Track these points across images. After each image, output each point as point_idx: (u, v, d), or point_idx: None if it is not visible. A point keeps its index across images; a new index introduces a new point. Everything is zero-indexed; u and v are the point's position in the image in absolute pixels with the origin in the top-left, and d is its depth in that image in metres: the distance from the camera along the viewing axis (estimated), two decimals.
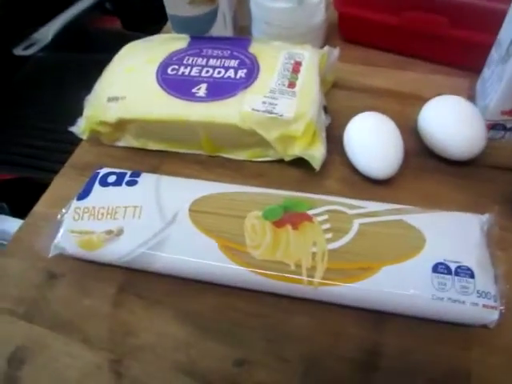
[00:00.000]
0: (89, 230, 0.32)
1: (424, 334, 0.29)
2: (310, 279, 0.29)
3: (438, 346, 0.29)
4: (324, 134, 0.36)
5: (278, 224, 0.31)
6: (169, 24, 0.54)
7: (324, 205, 0.32)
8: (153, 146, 0.40)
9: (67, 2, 0.67)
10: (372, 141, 0.35)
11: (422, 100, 0.41)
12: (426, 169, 0.37)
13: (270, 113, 0.35)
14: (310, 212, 0.31)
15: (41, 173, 0.56)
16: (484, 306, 0.27)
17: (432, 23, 0.40)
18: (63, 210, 0.34)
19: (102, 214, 0.33)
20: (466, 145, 0.35)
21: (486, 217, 0.31)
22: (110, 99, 0.38)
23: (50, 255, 0.32)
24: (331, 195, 0.35)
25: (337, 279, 0.29)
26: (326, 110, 0.37)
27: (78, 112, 0.40)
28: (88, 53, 0.66)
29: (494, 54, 0.38)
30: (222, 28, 0.47)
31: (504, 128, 0.38)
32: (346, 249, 0.29)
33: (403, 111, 0.41)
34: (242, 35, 0.49)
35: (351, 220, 0.31)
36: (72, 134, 0.40)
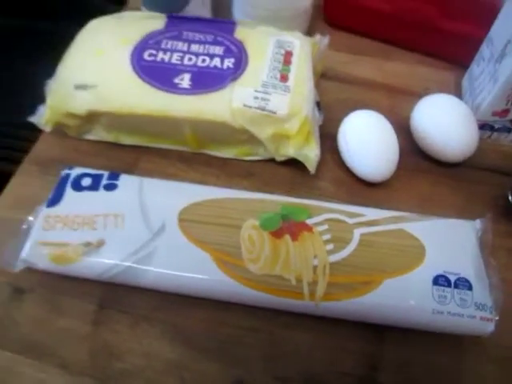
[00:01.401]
0: (63, 242, 0.28)
1: (421, 345, 0.29)
2: (311, 294, 0.27)
3: (435, 356, 0.29)
4: (317, 133, 0.34)
5: (277, 234, 0.29)
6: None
7: (323, 213, 0.30)
8: (128, 140, 0.36)
9: None
10: (368, 143, 0.33)
11: (411, 95, 0.41)
12: (419, 170, 0.36)
13: (263, 109, 0.32)
14: (310, 221, 0.29)
15: None
16: (481, 318, 0.27)
17: (423, 12, 0.39)
18: (29, 218, 0.30)
19: (78, 224, 0.29)
20: (460, 147, 0.34)
21: (478, 223, 0.31)
22: (78, 87, 0.34)
23: (16, 269, 0.28)
24: (326, 198, 0.34)
25: (339, 294, 0.27)
26: (319, 105, 0.35)
27: (33, 94, 0.35)
28: (42, 20, 0.59)
29: (485, 50, 0.37)
30: (199, 6, 0.42)
31: (491, 128, 0.38)
32: (347, 261, 0.28)
33: (393, 106, 0.40)
34: (220, 15, 0.45)
35: (352, 230, 0.29)
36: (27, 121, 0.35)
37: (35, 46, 0.54)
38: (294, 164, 0.35)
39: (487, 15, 0.36)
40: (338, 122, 0.36)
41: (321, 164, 0.35)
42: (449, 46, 0.41)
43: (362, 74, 0.42)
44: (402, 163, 0.35)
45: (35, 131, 0.36)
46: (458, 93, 0.41)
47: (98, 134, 0.36)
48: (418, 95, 0.40)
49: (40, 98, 0.35)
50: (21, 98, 0.48)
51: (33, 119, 0.35)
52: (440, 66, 0.43)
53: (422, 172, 0.36)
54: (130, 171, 0.35)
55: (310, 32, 0.45)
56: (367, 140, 0.33)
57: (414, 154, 0.37)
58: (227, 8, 0.44)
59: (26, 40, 0.55)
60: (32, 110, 0.35)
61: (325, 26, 0.46)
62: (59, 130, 0.36)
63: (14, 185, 0.34)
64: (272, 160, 0.35)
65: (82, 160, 0.35)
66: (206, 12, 0.43)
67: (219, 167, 0.36)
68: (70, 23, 0.54)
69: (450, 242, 0.30)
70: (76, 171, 0.31)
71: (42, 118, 0.35)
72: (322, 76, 0.41)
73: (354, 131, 0.34)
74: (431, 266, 0.28)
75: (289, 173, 0.35)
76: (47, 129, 0.35)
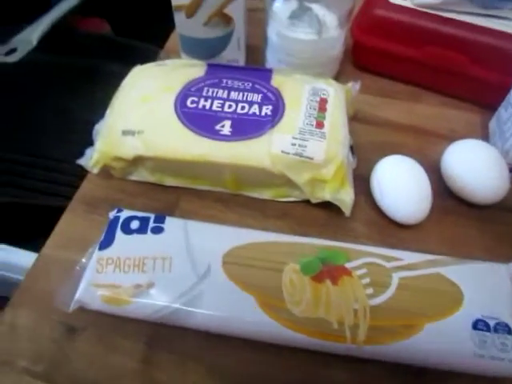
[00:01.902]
0: (115, 284, 0.30)
1: None
2: (353, 337, 0.28)
3: None
4: (351, 176, 0.36)
5: (317, 278, 0.30)
6: (172, 40, 0.51)
7: (361, 256, 0.31)
8: (170, 181, 0.38)
9: (48, 1, 0.62)
10: (402, 187, 0.34)
11: (439, 137, 0.42)
12: (449, 211, 0.37)
13: (301, 156, 0.34)
14: (348, 265, 0.31)
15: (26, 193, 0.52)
16: None
17: (452, 60, 0.41)
18: (83, 260, 0.31)
19: (129, 266, 0.30)
20: (490, 190, 0.36)
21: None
22: (126, 132, 0.36)
23: (70, 310, 0.30)
24: (360, 239, 0.35)
25: (381, 337, 0.28)
26: (352, 150, 0.37)
27: (78, 130, 0.37)
28: (74, 57, 0.62)
29: None
30: (235, 51, 0.45)
31: None
32: (387, 305, 0.29)
33: (422, 148, 0.41)
34: (253, 60, 0.47)
35: (390, 274, 0.31)
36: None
37: (78, 82, 0.57)
38: (327, 205, 0.36)
39: None
40: (369, 163, 0.38)
41: (354, 205, 0.36)
42: (476, 91, 0.43)
43: (391, 116, 0.44)
44: (433, 204, 0.36)
45: (81, 167, 0.38)
46: (484, 134, 0.42)
47: (142, 175, 0.38)
48: (445, 137, 0.42)
49: (85, 137, 0.38)
50: (67, 135, 0.50)
51: (81, 161, 0.37)
52: (467, 108, 0.44)
53: (452, 213, 0.37)
54: (171, 211, 0.37)
55: (339, 75, 0.47)
56: (401, 185, 0.34)
57: (445, 195, 0.38)
58: (261, 53, 0.46)
59: (68, 76, 0.59)
60: (79, 148, 0.38)
61: (353, 69, 0.48)
62: (105, 170, 0.38)
63: (64, 224, 0.36)
64: (306, 201, 0.37)
65: (126, 200, 0.37)
66: (241, 56, 0.45)
67: (256, 208, 0.37)
68: (111, 61, 0.57)
69: (485, 285, 0.31)
70: (124, 214, 0.33)
71: (90, 160, 0.37)
72: (353, 118, 0.43)
73: (388, 176, 0.35)
74: (470, 311, 0.29)
75: (322, 214, 0.37)
76: (95, 171, 0.37)
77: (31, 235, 0.45)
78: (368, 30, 0.43)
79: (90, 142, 0.38)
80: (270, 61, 0.45)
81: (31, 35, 0.57)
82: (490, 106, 0.43)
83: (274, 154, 0.34)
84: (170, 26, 0.45)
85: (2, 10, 0.59)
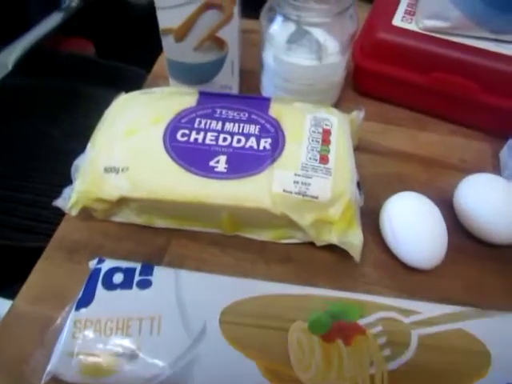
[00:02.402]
0: (95, 352, 0.26)
1: None
2: None
3: None
4: (359, 216, 0.33)
5: (327, 338, 0.27)
6: (159, 63, 0.48)
7: (375, 311, 0.28)
8: (159, 223, 0.34)
9: (27, 20, 0.58)
10: (417, 231, 0.31)
11: (449, 167, 0.39)
12: (464, 251, 0.34)
13: (304, 195, 0.31)
14: (362, 322, 0.27)
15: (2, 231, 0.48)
16: None
17: (461, 86, 0.38)
18: (57, 321, 0.27)
19: (111, 329, 0.26)
20: (508, 229, 0.33)
21: None
22: (109, 169, 0.32)
23: (42, 383, 0.26)
24: (371, 286, 0.32)
25: None
26: (359, 185, 0.34)
27: (57, 161, 0.33)
28: (55, 79, 0.58)
29: None
30: (228, 76, 0.41)
31: None
32: (407, 368, 0.26)
33: (432, 180, 0.38)
34: (247, 86, 0.44)
35: (409, 331, 0.27)
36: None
37: (59, 107, 0.53)
38: (333, 247, 0.33)
39: None
40: (376, 198, 0.35)
41: (362, 246, 0.33)
42: (486, 118, 0.40)
43: (396, 144, 0.41)
44: (448, 244, 0.33)
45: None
46: (495, 164, 0.40)
47: (127, 216, 0.34)
48: (455, 168, 0.39)
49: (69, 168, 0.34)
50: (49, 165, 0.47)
51: (58, 202, 0.33)
52: (476, 136, 0.41)
53: (467, 254, 0.34)
54: (160, 256, 0.33)
55: (339, 100, 0.44)
56: (415, 228, 0.31)
57: (459, 233, 0.35)
58: (256, 77, 0.43)
59: (48, 101, 0.55)
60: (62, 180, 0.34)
61: (354, 94, 0.45)
62: (85, 210, 0.34)
63: (38, 273, 0.32)
64: (310, 242, 0.33)
65: (109, 245, 0.33)
66: (234, 82, 0.42)
67: (255, 251, 0.34)
68: (95, 85, 0.53)
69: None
70: (107, 265, 0.29)
71: (68, 201, 0.33)
72: (356, 148, 0.40)
73: (400, 218, 0.32)
74: (498, 375, 0.26)
75: (329, 257, 0.33)
76: (73, 213, 0.33)
77: (6, 279, 0.41)
78: (370, 54, 0.40)
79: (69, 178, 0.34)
80: (266, 86, 0.42)
81: (7, 59, 0.53)
82: (500, 134, 0.40)
83: (275, 193, 0.31)
84: (157, 47, 0.42)
85: None
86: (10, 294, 0.33)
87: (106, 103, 0.38)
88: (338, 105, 0.43)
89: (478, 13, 0.35)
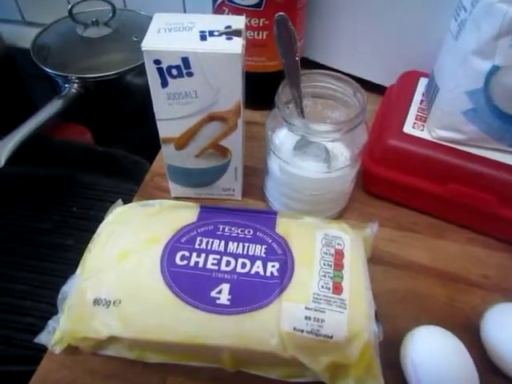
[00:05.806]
0: None
1: None
2: None
3: None
4: (378, 355, 0.29)
5: None
6: (158, 161, 0.46)
7: None
8: (153, 358, 0.30)
9: (20, 113, 0.56)
10: (445, 377, 0.28)
11: (471, 285, 0.37)
12: None
13: (317, 334, 0.27)
14: None
15: None
16: None
17: (479, 199, 0.36)
18: None
19: None
20: None
21: None
22: (98, 302, 0.29)
23: None
24: None
25: None
26: (377, 316, 0.30)
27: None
28: (48, 168, 0.56)
29: None
30: (231, 181, 0.39)
31: None
32: None
33: (451, 300, 0.35)
34: (250, 182, 0.42)
35: None
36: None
37: (50, 199, 0.51)
38: None
39: None
40: (391, 320, 0.31)
41: None
42: (506, 230, 0.38)
43: (411, 255, 0.38)
44: None
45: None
46: None
47: (118, 350, 0.30)
48: (478, 285, 0.36)
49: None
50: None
51: (40, 338, 0.29)
52: (496, 246, 0.39)
53: None
54: None
55: (349, 201, 0.41)
56: (443, 374, 0.28)
57: (488, 369, 0.31)
58: (259, 178, 0.41)
59: (39, 192, 0.52)
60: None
61: (364, 196, 0.42)
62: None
63: None
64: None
65: None
66: (237, 186, 0.40)
67: None
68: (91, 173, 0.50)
69: None
70: None
71: (52, 335, 0.29)
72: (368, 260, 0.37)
73: (423, 357, 0.29)
74: None
75: None
76: (57, 351, 0.29)
77: None
78: (381, 160, 0.38)
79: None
80: (271, 190, 0.40)
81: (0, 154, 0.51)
82: None
83: (284, 332, 0.27)
84: (157, 139, 0.39)
85: None
86: None
87: (102, 193, 0.36)
88: (346, 207, 0.41)
89: (495, 128, 0.33)
